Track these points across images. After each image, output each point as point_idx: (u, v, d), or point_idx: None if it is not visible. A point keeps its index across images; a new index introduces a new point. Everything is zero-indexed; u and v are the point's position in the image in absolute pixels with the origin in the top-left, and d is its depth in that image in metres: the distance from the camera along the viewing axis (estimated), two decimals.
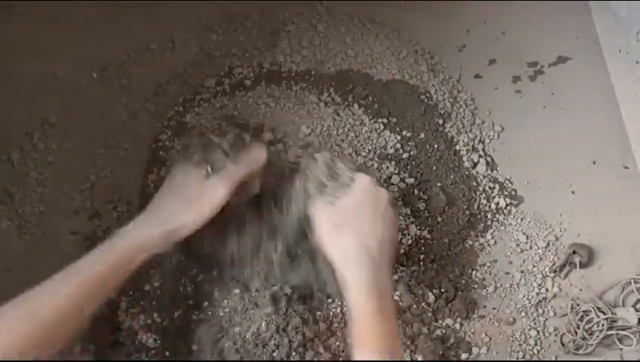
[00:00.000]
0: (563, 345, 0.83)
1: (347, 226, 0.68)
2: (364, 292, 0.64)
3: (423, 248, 0.86)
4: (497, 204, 0.91)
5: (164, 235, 0.67)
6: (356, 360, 0.61)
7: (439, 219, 0.88)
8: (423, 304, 0.82)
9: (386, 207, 0.71)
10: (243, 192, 0.75)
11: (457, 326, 0.82)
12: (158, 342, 0.76)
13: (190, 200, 0.69)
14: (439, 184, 0.90)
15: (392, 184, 0.88)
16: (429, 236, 0.86)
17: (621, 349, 0.83)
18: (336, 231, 0.68)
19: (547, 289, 0.86)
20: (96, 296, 0.63)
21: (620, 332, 0.83)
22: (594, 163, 0.96)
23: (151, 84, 0.97)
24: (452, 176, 0.91)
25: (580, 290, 0.86)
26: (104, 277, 0.63)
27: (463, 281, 0.85)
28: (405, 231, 0.86)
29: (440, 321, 0.82)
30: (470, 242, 0.88)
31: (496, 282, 0.86)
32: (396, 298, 0.81)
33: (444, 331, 0.81)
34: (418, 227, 0.86)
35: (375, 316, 0.62)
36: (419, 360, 0.79)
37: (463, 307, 0.82)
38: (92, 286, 0.62)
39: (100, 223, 0.86)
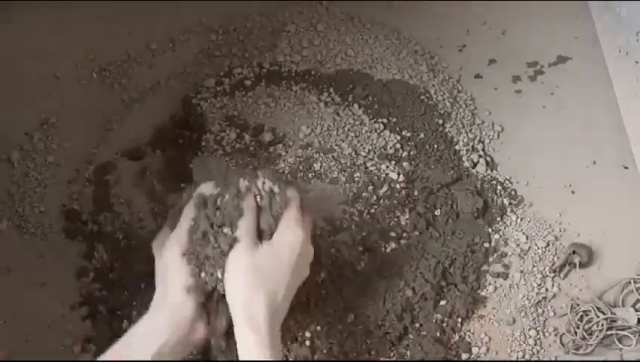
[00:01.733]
0: (563, 344, 0.83)
1: (254, 276, 0.62)
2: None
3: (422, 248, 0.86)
4: (497, 203, 0.91)
5: (172, 327, 0.61)
6: None
7: (439, 218, 0.88)
8: (423, 303, 0.82)
9: (298, 257, 0.64)
10: None
11: (458, 326, 0.82)
12: None
13: (164, 281, 0.64)
14: (439, 184, 0.90)
15: (392, 184, 0.88)
16: (428, 235, 0.86)
17: (621, 349, 0.83)
18: (241, 276, 0.62)
19: (547, 289, 0.86)
20: None
21: (619, 332, 0.83)
22: (594, 163, 0.97)
23: (151, 84, 0.97)
24: (452, 176, 0.91)
25: (580, 290, 0.87)
26: None
27: (463, 281, 0.85)
28: (405, 231, 0.86)
29: (442, 321, 0.82)
30: (470, 242, 0.88)
31: (495, 282, 0.86)
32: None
33: (444, 332, 0.81)
34: (418, 227, 0.86)
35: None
36: (419, 360, 0.79)
37: (462, 307, 0.83)
38: None
39: (100, 223, 0.86)
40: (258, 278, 0.62)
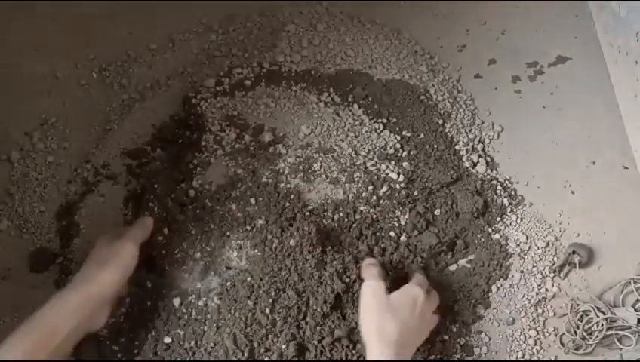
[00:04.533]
0: (562, 344, 0.83)
1: (392, 316, 0.73)
2: None
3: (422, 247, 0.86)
4: (497, 203, 0.91)
5: (85, 297, 0.70)
6: None
7: (439, 218, 0.88)
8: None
9: (423, 313, 0.76)
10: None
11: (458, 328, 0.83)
12: None
13: (102, 261, 0.73)
14: (439, 184, 0.90)
15: (392, 184, 0.88)
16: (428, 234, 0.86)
17: (620, 349, 0.83)
18: (377, 318, 0.73)
19: (547, 289, 0.86)
20: None
21: (619, 332, 0.83)
22: (594, 163, 0.97)
23: (151, 84, 0.97)
24: (452, 176, 0.91)
25: (580, 290, 0.87)
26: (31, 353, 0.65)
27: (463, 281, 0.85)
28: (405, 231, 0.86)
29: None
30: (470, 241, 0.88)
31: (495, 282, 0.86)
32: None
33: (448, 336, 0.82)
34: (418, 227, 0.86)
35: None
36: (419, 360, 0.79)
37: (467, 310, 0.83)
38: None
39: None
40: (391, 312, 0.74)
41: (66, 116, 0.93)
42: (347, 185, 0.86)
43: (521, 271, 0.87)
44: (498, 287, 0.86)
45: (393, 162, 0.90)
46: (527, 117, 1.00)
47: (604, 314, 0.83)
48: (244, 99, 0.94)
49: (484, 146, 0.97)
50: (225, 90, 0.96)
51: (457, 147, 0.95)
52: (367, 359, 0.71)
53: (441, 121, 0.96)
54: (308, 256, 0.78)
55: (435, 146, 0.93)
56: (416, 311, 0.75)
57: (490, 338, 0.83)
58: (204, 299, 0.78)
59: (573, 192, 0.94)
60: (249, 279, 0.77)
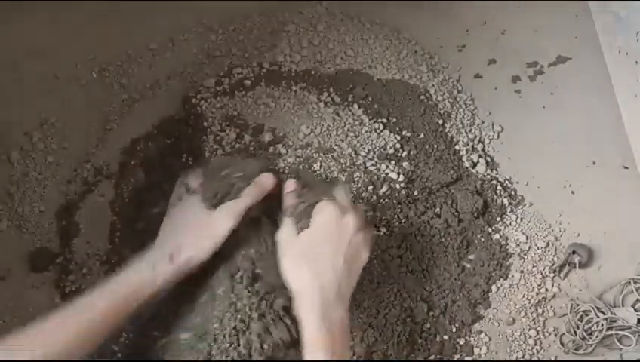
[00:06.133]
0: (562, 345, 0.83)
1: (304, 261, 0.66)
2: (313, 331, 0.62)
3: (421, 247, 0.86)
4: (497, 203, 0.91)
5: (168, 272, 0.65)
6: None
7: (439, 218, 0.88)
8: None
9: (350, 240, 0.68)
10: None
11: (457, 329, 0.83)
12: None
13: (195, 235, 0.67)
14: (439, 184, 0.90)
15: (392, 184, 0.88)
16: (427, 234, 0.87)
17: (620, 349, 0.83)
18: (294, 264, 0.67)
19: (547, 289, 0.86)
20: (97, 336, 0.62)
21: (619, 332, 0.83)
22: (594, 163, 0.97)
23: (151, 84, 0.97)
24: (452, 176, 0.91)
25: (580, 290, 0.87)
26: (103, 319, 0.62)
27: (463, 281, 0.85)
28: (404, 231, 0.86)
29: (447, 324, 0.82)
30: (470, 241, 0.88)
31: (495, 282, 0.86)
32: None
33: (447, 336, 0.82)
34: (417, 226, 0.86)
35: (324, 351, 0.61)
36: (419, 360, 0.79)
37: (467, 310, 0.83)
38: (91, 327, 0.61)
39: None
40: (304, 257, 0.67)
41: (66, 116, 0.93)
42: (347, 185, 0.86)
43: (521, 271, 0.87)
44: (498, 287, 0.86)
45: (393, 162, 0.90)
46: (527, 117, 1.00)
47: (604, 314, 0.83)
48: (243, 99, 0.94)
49: (484, 146, 0.97)
50: (225, 90, 0.96)
51: (457, 147, 0.95)
52: (300, 314, 0.64)
53: (441, 121, 0.96)
54: None
55: (435, 146, 0.93)
56: (336, 242, 0.67)
57: (490, 339, 0.83)
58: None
59: (573, 192, 0.94)
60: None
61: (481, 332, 0.83)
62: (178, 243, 0.67)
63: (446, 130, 0.95)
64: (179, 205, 0.72)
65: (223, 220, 0.68)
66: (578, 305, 0.84)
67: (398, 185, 0.87)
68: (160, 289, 0.65)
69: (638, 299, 0.85)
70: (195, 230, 0.68)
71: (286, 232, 0.69)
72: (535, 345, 0.83)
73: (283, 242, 0.69)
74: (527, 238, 0.89)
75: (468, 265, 0.87)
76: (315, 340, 0.62)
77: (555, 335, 0.84)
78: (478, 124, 0.98)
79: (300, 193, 0.72)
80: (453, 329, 0.83)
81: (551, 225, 0.91)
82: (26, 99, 0.94)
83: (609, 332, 0.83)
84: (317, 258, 0.66)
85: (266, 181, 0.72)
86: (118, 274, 0.65)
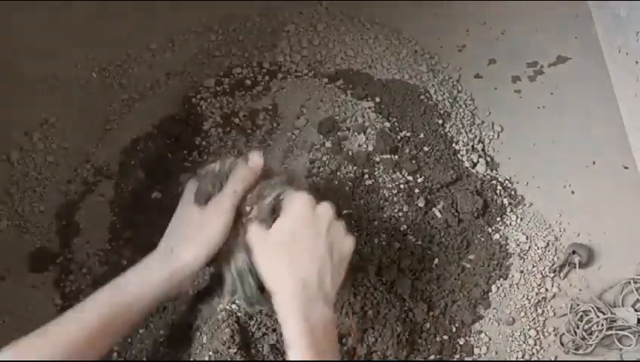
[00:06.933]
0: (562, 345, 0.83)
1: (279, 256, 0.62)
2: (295, 328, 0.59)
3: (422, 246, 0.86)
4: (497, 203, 0.91)
5: (166, 277, 0.63)
6: None
7: (439, 218, 0.88)
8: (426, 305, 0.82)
9: (327, 229, 0.63)
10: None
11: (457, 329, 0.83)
12: None
13: (188, 237, 0.65)
14: (439, 184, 0.90)
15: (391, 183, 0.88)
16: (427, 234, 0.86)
17: (620, 349, 0.83)
18: (268, 260, 0.62)
19: (547, 289, 0.86)
20: (96, 343, 0.61)
21: (619, 332, 0.83)
22: (594, 163, 0.96)
23: (151, 84, 0.97)
24: (452, 176, 0.91)
25: (580, 290, 0.87)
26: (103, 327, 0.61)
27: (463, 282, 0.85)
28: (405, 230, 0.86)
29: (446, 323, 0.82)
30: (470, 241, 0.88)
31: (495, 282, 0.86)
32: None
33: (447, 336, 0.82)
34: (418, 226, 0.86)
35: (307, 352, 0.58)
36: (419, 360, 0.79)
37: (467, 310, 0.83)
38: (92, 335, 0.60)
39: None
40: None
41: (66, 116, 0.93)
42: None
43: (521, 271, 0.87)
44: (498, 287, 0.86)
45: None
46: (527, 117, 1.00)
47: (604, 314, 0.83)
48: (244, 99, 0.94)
49: (484, 146, 0.97)
50: (225, 90, 0.96)
51: (457, 147, 0.94)
52: (279, 313, 0.61)
53: (441, 121, 0.96)
54: None
55: (435, 146, 0.93)
56: (313, 232, 0.62)
57: (490, 339, 0.83)
58: None
59: (573, 192, 0.94)
60: None
61: (481, 332, 0.83)
62: (175, 246, 0.65)
63: (446, 130, 0.95)
64: (177, 209, 0.70)
65: (212, 220, 0.64)
66: (578, 305, 0.84)
67: (397, 185, 0.87)
68: (159, 295, 0.64)
69: (638, 299, 0.85)
70: (188, 235, 0.65)
71: (254, 232, 0.64)
72: (535, 345, 0.83)
73: (254, 239, 0.63)
74: (527, 238, 0.89)
75: (468, 265, 0.87)
76: (297, 341, 0.58)
77: (555, 335, 0.84)
78: (478, 124, 0.98)
79: (259, 191, 0.67)
80: (453, 329, 0.83)
81: (551, 225, 0.91)
82: (26, 99, 0.94)
83: (609, 332, 0.83)
84: (293, 251, 0.62)
85: (252, 159, 0.67)
86: (116, 278, 0.64)
